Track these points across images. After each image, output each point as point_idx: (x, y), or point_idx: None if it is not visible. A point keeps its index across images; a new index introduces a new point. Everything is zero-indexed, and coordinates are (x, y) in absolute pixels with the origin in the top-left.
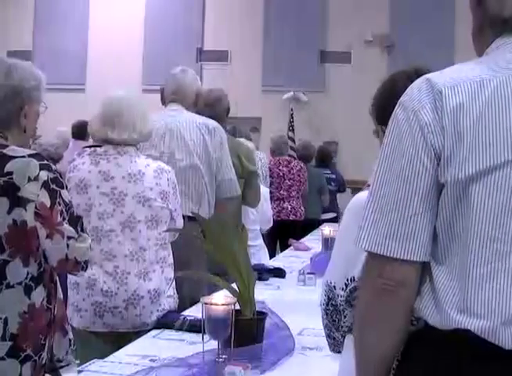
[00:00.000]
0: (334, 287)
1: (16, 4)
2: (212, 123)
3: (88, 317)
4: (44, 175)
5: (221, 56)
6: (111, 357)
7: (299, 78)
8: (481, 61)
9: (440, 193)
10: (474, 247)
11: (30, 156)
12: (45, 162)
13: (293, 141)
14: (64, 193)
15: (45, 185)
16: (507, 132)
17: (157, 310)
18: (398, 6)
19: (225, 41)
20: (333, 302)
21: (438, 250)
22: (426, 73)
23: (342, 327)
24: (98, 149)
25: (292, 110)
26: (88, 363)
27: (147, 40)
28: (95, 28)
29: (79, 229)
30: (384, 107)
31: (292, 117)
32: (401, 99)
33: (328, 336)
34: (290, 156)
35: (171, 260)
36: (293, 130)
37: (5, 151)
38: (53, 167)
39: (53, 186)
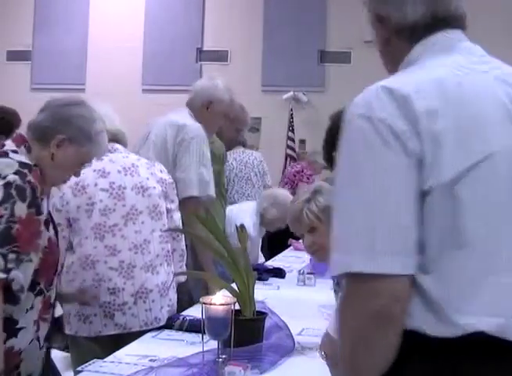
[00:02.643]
0: None
1: (16, 4)
2: (184, 121)
3: (99, 321)
4: (12, 178)
5: (220, 56)
6: (111, 357)
7: (299, 78)
8: (424, 66)
9: (423, 201)
10: (471, 246)
11: (19, 162)
12: (26, 172)
13: (293, 141)
14: (20, 206)
15: (7, 186)
16: (482, 128)
17: (168, 305)
18: None
19: (224, 41)
20: None
21: (426, 259)
22: None
23: None
24: None
25: (292, 110)
26: (88, 363)
27: (147, 40)
28: (95, 28)
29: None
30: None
31: (292, 117)
32: (356, 111)
33: None
34: (288, 155)
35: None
36: (293, 130)
37: (9, 152)
38: (29, 180)
39: (13, 192)
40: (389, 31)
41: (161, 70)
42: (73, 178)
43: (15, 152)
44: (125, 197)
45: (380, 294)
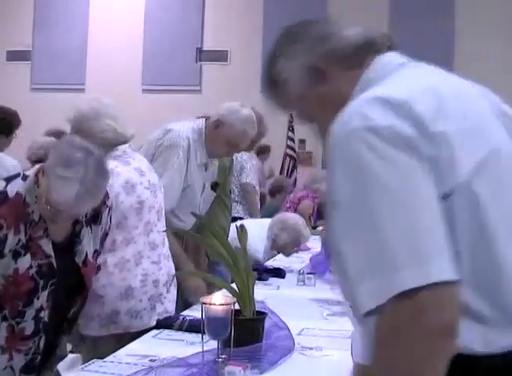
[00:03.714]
0: None
1: (16, 4)
2: (173, 127)
3: (147, 314)
4: None
5: (220, 56)
6: (111, 357)
7: None
8: (399, 78)
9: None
10: (503, 243)
11: (6, 179)
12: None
13: (293, 141)
14: None
15: None
16: (483, 126)
17: None
18: (398, 6)
19: (224, 41)
20: None
21: (462, 267)
22: None
23: None
24: (116, 152)
25: None
26: (87, 363)
27: (147, 40)
28: (95, 28)
29: None
30: None
31: (292, 117)
32: (351, 126)
33: None
34: (288, 155)
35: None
36: (292, 130)
37: (18, 176)
38: None
39: None
40: (329, 71)
41: (161, 70)
42: (122, 178)
43: (24, 178)
44: (157, 194)
45: (445, 306)
